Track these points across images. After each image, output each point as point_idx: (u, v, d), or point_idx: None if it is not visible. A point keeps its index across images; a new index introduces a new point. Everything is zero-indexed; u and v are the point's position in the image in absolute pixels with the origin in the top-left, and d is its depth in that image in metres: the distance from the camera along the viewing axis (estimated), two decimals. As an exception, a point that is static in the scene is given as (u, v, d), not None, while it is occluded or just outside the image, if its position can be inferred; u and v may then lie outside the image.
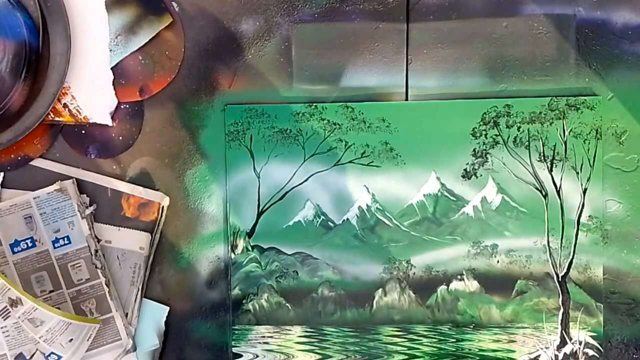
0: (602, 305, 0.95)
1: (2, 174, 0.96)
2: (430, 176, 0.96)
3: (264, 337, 0.98)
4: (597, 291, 0.95)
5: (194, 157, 0.97)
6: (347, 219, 0.97)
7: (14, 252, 0.95)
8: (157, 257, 0.98)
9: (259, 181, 0.97)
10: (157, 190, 0.97)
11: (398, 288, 0.97)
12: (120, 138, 0.97)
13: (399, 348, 0.97)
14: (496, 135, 0.95)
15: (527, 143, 0.95)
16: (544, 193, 0.95)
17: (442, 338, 0.97)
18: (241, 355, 0.98)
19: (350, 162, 0.96)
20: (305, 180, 0.97)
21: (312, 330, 0.98)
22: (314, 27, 0.96)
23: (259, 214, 0.97)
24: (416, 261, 0.96)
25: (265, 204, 0.97)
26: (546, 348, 0.96)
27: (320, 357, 0.98)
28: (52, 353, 0.88)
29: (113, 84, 0.96)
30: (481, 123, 0.95)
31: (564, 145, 0.95)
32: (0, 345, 0.90)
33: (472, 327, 0.97)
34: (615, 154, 0.95)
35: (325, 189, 0.97)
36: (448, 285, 0.96)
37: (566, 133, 0.94)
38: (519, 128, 0.95)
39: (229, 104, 0.96)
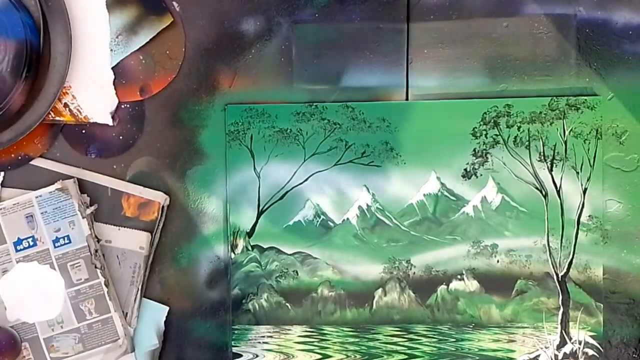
0: (602, 305, 0.95)
1: (2, 173, 0.97)
2: (430, 176, 0.96)
3: (263, 337, 0.98)
4: (597, 291, 0.95)
5: (194, 156, 0.97)
6: (347, 218, 0.97)
7: (17, 250, 0.95)
8: (157, 256, 0.98)
9: (259, 181, 0.97)
10: (157, 190, 0.97)
11: (398, 288, 0.97)
12: (121, 138, 0.97)
13: (398, 348, 0.97)
14: (496, 135, 0.95)
15: (527, 143, 0.95)
16: (544, 193, 0.95)
17: (441, 338, 0.97)
18: (241, 355, 0.98)
19: (351, 161, 0.96)
20: (306, 180, 0.97)
21: (312, 330, 0.98)
22: (314, 27, 0.96)
23: (259, 214, 0.97)
24: (416, 261, 0.96)
25: (265, 204, 0.97)
26: (546, 348, 0.96)
27: (320, 357, 0.98)
28: None
29: (114, 84, 0.96)
30: (481, 123, 0.95)
31: (564, 145, 0.94)
32: None
33: (472, 326, 0.97)
34: (616, 153, 0.94)
35: (325, 189, 0.96)
36: (448, 285, 0.96)
37: (566, 133, 0.94)
38: (519, 128, 0.95)
39: (229, 104, 0.96)
